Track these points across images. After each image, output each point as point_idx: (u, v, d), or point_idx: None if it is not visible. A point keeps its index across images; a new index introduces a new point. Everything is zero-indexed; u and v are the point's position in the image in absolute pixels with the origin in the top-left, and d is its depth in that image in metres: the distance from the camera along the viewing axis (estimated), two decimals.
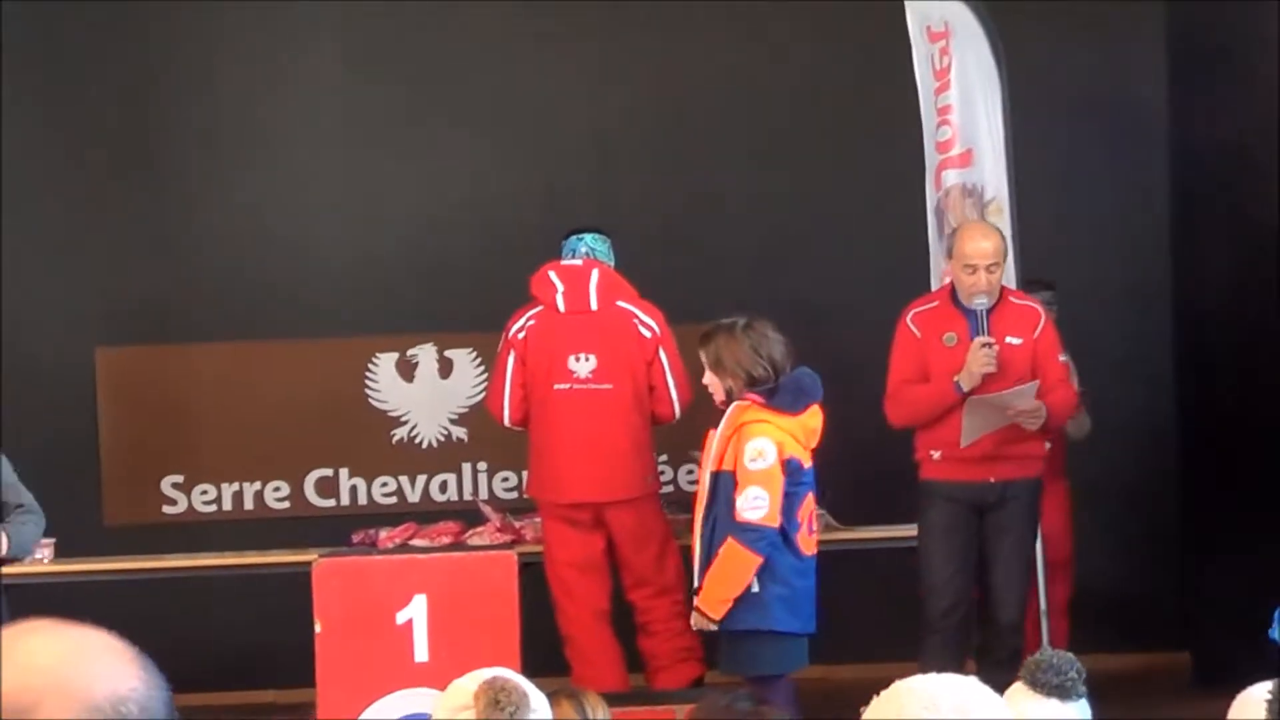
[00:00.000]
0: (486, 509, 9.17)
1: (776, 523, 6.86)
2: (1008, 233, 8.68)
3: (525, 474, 8.77)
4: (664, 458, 9.37)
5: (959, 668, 7.69)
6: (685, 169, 10.23)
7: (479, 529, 8.88)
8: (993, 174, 8.77)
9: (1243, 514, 9.01)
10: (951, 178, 8.92)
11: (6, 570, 7.17)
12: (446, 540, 8.73)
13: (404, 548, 8.56)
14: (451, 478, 10.15)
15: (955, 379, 7.92)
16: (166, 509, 10.08)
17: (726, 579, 6.87)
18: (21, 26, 9.90)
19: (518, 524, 8.88)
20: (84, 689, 1.60)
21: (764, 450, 6.82)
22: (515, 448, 8.87)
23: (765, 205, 10.21)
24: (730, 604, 6.88)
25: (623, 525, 8.47)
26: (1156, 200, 10.15)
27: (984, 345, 7.90)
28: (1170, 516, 9.97)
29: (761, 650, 7.02)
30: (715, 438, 7.01)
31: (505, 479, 10.08)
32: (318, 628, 7.55)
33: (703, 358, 7.19)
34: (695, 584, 7.07)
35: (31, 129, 9.96)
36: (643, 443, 8.56)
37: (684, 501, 9.36)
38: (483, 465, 10.12)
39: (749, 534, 6.84)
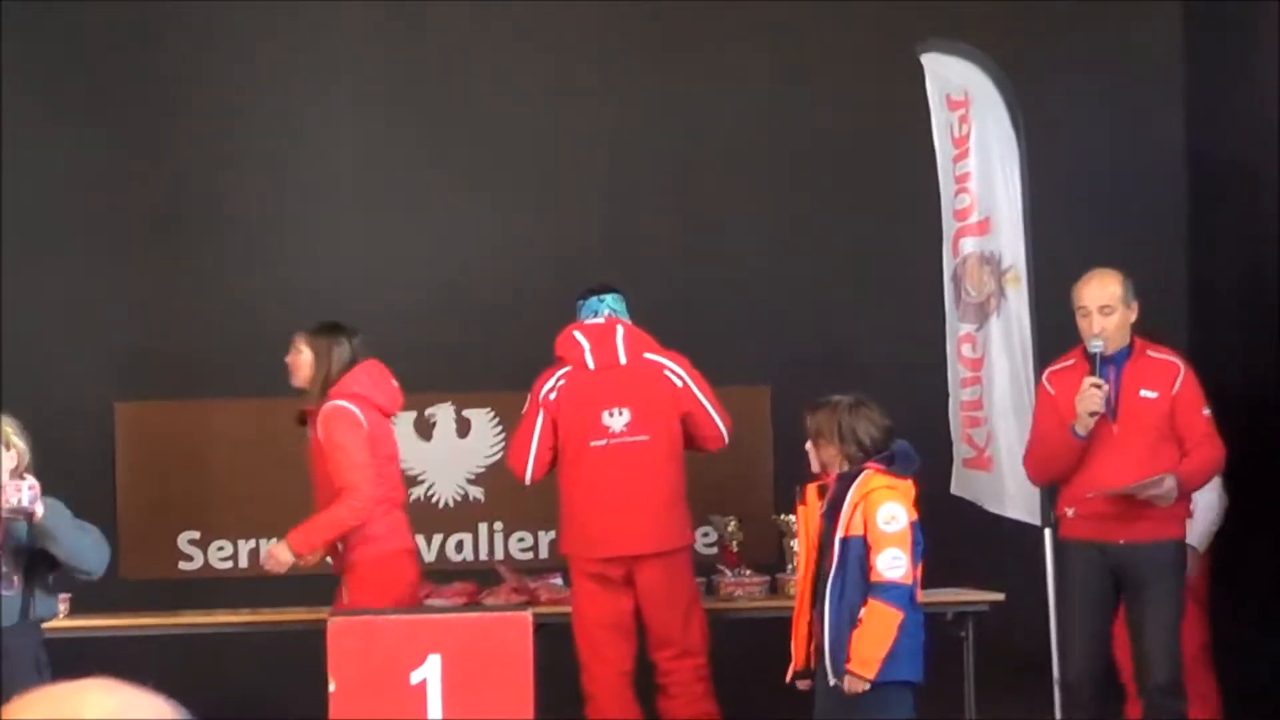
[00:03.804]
0: (502, 569, 9.17)
1: (911, 580, 7.17)
2: (1024, 302, 8.67)
3: (541, 535, 8.75)
4: None
5: None
6: (701, 228, 10.26)
7: (494, 589, 8.88)
8: (1010, 242, 8.76)
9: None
10: (969, 245, 8.92)
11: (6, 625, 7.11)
12: (462, 600, 8.74)
13: (419, 607, 8.56)
14: (468, 537, 10.15)
15: (1071, 425, 7.83)
16: (182, 565, 10.08)
17: (876, 638, 7.12)
18: (29, 83, 9.95)
19: (533, 584, 8.88)
20: None
21: (896, 514, 7.15)
22: (532, 508, 8.86)
23: (781, 268, 10.23)
24: (881, 662, 7.12)
25: (652, 581, 8.41)
26: (1176, 270, 10.16)
27: (1092, 385, 7.80)
28: None
29: (892, 701, 7.23)
30: (844, 506, 7.20)
31: (522, 539, 10.08)
32: (331, 686, 7.54)
33: (811, 428, 7.37)
34: (826, 645, 7.21)
35: (47, 184, 10.01)
36: (678, 495, 8.51)
37: (701, 565, 9.35)
38: (499, 525, 10.11)
39: (890, 592, 7.12)
